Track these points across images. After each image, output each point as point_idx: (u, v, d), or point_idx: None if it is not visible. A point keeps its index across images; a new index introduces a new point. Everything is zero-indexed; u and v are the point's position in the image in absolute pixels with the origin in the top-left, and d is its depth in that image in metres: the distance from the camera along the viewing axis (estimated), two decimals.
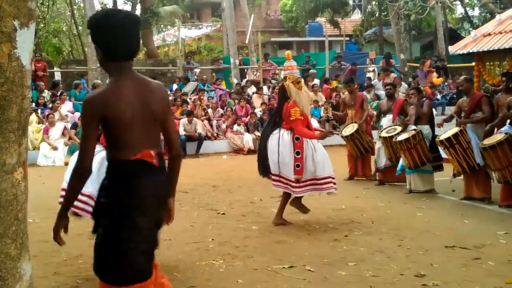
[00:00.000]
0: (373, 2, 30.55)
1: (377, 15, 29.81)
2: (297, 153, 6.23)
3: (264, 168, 6.44)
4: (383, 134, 8.99)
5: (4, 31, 2.41)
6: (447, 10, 27.99)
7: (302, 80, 6.53)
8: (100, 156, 4.96)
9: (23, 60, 2.49)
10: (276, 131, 6.35)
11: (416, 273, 4.72)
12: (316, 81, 19.25)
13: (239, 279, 4.65)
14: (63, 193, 4.94)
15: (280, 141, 6.24)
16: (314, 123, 14.31)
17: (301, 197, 6.51)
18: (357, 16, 33.08)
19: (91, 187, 4.76)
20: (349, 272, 4.79)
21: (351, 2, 30.99)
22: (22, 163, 2.56)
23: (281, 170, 6.24)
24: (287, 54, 6.78)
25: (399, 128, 8.83)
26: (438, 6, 22.96)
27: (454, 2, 22.07)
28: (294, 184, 6.23)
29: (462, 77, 8.35)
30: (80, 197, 4.73)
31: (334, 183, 6.39)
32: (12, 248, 2.54)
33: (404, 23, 27.08)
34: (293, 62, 6.73)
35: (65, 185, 4.93)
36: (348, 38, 30.02)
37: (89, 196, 4.82)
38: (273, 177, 6.32)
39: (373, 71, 21.25)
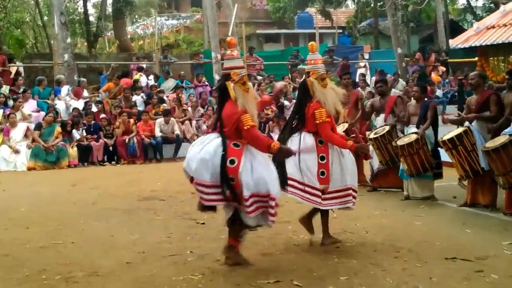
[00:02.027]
0: None
1: (372, 5, 30.00)
2: (322, 158, 5.83)
3: (282, 181, 5.64)
4: (372, 135, 9.04)
5: None
6: (448, 1, 28.24)
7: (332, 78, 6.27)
8: (214, 143, 5.07)
9: None
10: (296, 134, 5.95)
11: (413, 287, 4.74)
12: None
13: None
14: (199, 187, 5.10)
15: (301, 144, 5.83)
16: None
17: (312, 215, 6.19)
18: (350, 6, 33.28)
19: (208, 175, 4.97)
20: (340, 286, 4.80)
21: None
22: None
23: (304, 178, 5.77)
24: (311, 45, 6.23)
25: (387, 128, 8.90)
26: None
27: None
28: (320, 194, 5.80)
29: (475, 72, 8.37)
30: (204, 189, 5.04)
31: (354, 197, 6.04)
32: None
33: (401, 15, 27.23)
34: (318, 55, 6.23)
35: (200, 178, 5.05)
36: (340, 31, 30.13)
37: (213, 186, 5.02)
38: (292, 183, 5.74)
39: (365, 66, 21.34)
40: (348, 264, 5.43)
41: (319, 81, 5.97)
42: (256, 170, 5.03)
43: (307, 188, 5.79)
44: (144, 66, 19.56)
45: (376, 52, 24.82)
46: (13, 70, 17.56)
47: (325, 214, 6.10)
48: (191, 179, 5.15)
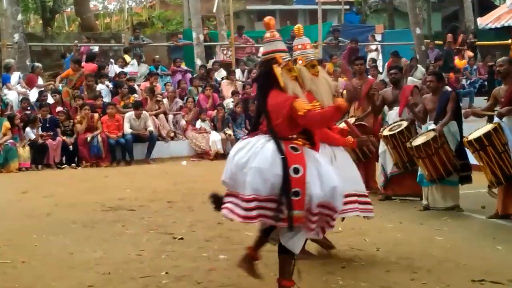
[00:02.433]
0: None
1: None
2: None
3: None
4: (385, 132, 9.07)
5: None
6: None
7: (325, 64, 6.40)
8: (269, 148, 4.89)
9: None
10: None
11: None
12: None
13: None
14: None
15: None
16: None
17: None
18: None
19: (267, 187, 4.78)
20: None
21: None
22: None
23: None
24: (298, 28, 6.42)
25: (405, 123, 8.94)
26: None
27: None
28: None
29: (503, 58, 8.42)
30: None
31: (363, 202, 6.24)
32: None
33: None
34: (306, 39, 6.50)
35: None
36: (347, 7, 30.22)
37: (268, 200, 4.81)
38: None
39: (376, 50, 21.37)
40: (357, 287, 5.44)
41: (309, 69, 5.99)
42: (326, 179, 4.93)
43: None
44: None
45: (390, 32, 24.91)
46: None
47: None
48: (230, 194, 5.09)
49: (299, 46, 6.23)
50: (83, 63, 17.40)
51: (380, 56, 21.44)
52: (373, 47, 21.77)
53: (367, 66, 17.87)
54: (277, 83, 5.04)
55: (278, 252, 5.11)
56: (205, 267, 6.05)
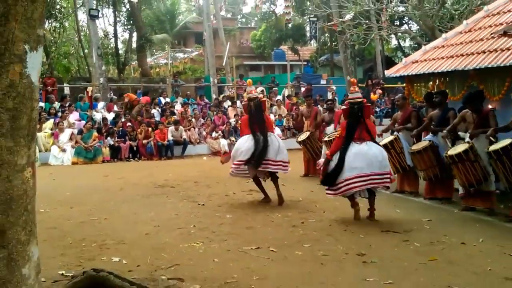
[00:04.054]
0: (326, 34, 30.83)
1: (328, 44, 30.14)
2: None
3: (259, 162, 6.80)
4: (326, 138, 9.06)
5: (16, 54, 2.35)
6: (384, 42, 28.39)
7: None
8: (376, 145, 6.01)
9: (32, 78, 2.43)
10: (269, 134, 6.98)
11: (358, 252, 4.76)
12: (279, 97, 19.34)
13: (215, 258, 4.60)
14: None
15: (277, 138, 7.07)
16: (278, 131, 14.46)
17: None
18: (313, 45, 33.39)
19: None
20: (304, 252, 4.80)
21: (308, 34, 31.23)
22: (31, 163, 2.49)
23: (281, 157, 6.92)
24: (249, 82, 7.69)
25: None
26: (377, 38, 23.27)
27: (390, 35, 22.40)
28: (287, 166, 7.07)
29: (399, 95, 8.48)
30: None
31: (286, 167, 7.11)
32: (22, 235, 2.46)
33: (350, 51, 27.24)
34: (253, 87, 7.65)
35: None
36: (305, 63, 30.23)
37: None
38: (273, 163, 6.86)
39: (333, 90, 21.44)
40: (310, 235, 5.43)
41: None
42: None
43: (282, 163, 6.96)
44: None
45: (331, 78, 24.92)
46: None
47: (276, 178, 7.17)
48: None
49: (250, 91, 7.32)
50: (141, 97, 17.26)
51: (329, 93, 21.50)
52: (333, 87, 21.65)
53: (317, 99, 17.87)
54: (366, 115, 6.02)
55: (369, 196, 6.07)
56: (218, 222, 6.03)
